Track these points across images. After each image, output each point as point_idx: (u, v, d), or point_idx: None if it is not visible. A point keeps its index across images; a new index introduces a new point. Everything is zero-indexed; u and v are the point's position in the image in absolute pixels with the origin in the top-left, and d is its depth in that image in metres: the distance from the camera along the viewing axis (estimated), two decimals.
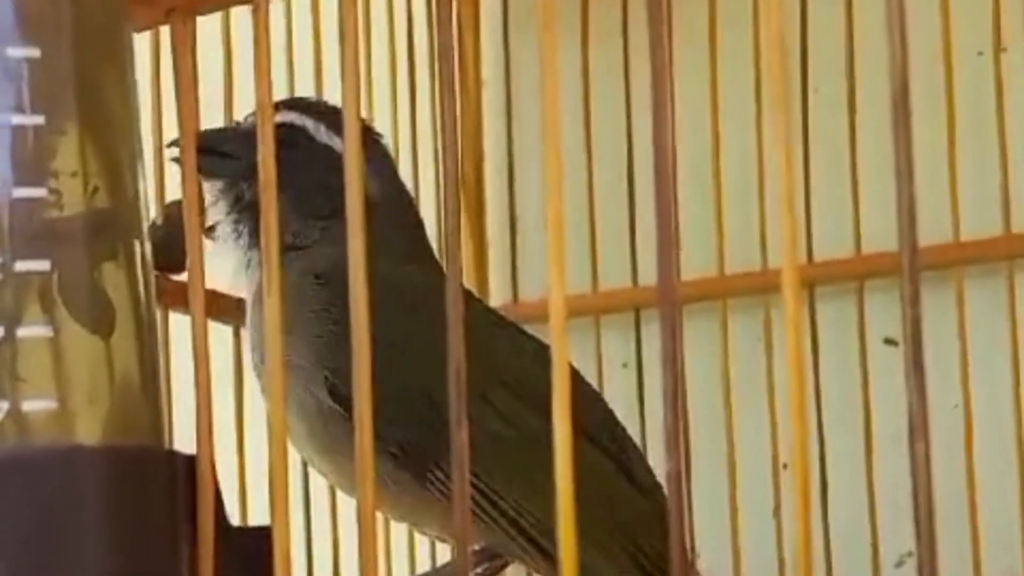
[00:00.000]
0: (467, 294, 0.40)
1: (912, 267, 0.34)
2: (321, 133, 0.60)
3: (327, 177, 0.55)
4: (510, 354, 0.59)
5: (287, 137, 0.57)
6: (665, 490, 0.36)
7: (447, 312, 0.37)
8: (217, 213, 0.60)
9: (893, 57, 0.35)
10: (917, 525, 0.35)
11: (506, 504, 0.56)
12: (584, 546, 0.56)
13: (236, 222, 0.60)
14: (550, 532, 0.38)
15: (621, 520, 0.57)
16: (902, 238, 0.35)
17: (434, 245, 0.77)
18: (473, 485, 0.56)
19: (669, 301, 0.36)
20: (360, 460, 0.37)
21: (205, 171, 0.58)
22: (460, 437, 0.37)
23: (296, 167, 0.58)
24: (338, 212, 0.56)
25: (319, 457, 0.58)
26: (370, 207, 0.58)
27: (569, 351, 0.36)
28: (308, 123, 0.60)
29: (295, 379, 0.57)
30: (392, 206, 0.61)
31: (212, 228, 0.60)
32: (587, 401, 0.61)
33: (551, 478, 0.35)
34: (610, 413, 0.62)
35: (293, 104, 0.61)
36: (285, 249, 0.56)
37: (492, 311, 0.67)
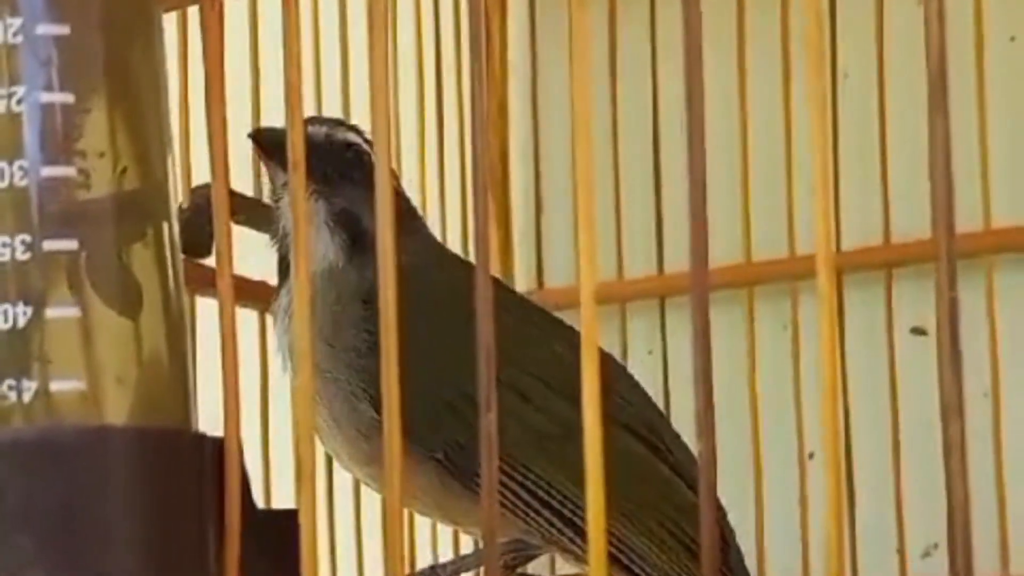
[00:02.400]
0: (496, 283, 0.40)
1: (949, 249, 0.33)
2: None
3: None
4: (544, 344, 0.59)
5: (353, 157, 0.59)
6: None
7: (476, 297, 0.37)
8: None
9: (930, 40, 0.35)
10: (950, 506, 0.34)
11: (547, 492, 0.56)
12: (635, 532, 0.56)
13: (331, 231, 0.59)
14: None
15: (667, 506, 0.57)
16: (938, 219, 0.34)
17: (460, 234, 0.77)
18: (512, 477, 0.56)
19: (701, 283, 0.35)
20: (389, 461, 0.37)
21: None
22: (488, 419, 0.37)
23: (357, 184, 0.58)
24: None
25: (361, 468, 0.59)
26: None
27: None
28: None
29: (335, 392, 0.57)
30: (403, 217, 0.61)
31: (237, 213, 0.59)
32: (626, 390, 0.61)
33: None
34: (648, 400, 0.62)
35: (354, 128, 0.61)
36: (353, 257, 0.57)
37: (523, 299, 0.67)
